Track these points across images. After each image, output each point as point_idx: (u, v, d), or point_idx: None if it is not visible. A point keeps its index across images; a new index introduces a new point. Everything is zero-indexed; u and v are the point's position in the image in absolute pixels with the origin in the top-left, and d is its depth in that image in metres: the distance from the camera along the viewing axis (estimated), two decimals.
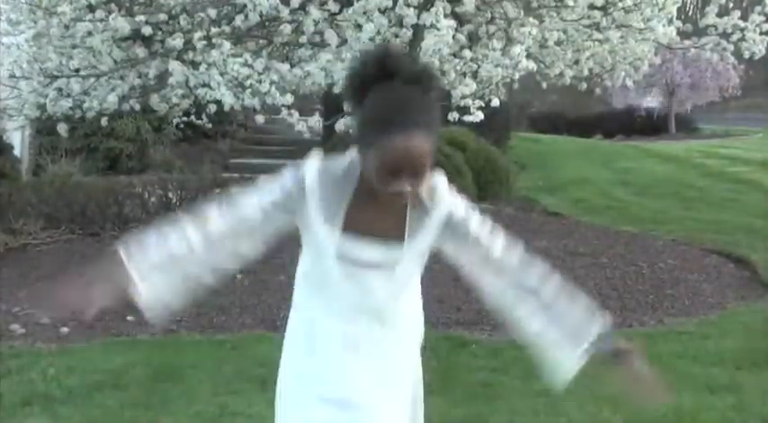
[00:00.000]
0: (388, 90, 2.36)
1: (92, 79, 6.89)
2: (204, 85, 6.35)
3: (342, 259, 2.49)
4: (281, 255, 6.06)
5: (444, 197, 2.52)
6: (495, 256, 2.57)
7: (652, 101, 37.75)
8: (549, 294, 2.54)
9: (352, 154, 2.48)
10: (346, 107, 2.51)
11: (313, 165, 2.48)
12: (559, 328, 2.52)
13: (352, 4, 5.98)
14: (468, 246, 2.57)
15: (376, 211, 2.48)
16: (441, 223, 2.52)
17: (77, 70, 6.86)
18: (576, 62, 7.96)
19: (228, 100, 6.22)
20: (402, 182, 2.33)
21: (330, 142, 10.23)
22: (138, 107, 7.27)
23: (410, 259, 2.55)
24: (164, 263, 2.42)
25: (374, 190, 2.41)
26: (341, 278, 2.51)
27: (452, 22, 5.93)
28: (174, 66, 6.26)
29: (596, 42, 7.57)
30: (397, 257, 2.51)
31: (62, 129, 7.14)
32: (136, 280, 2.37)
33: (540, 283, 2.55)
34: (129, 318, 6.64)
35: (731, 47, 7.33)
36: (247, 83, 6.22)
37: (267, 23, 6.82)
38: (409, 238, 2.51)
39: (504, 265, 2.58)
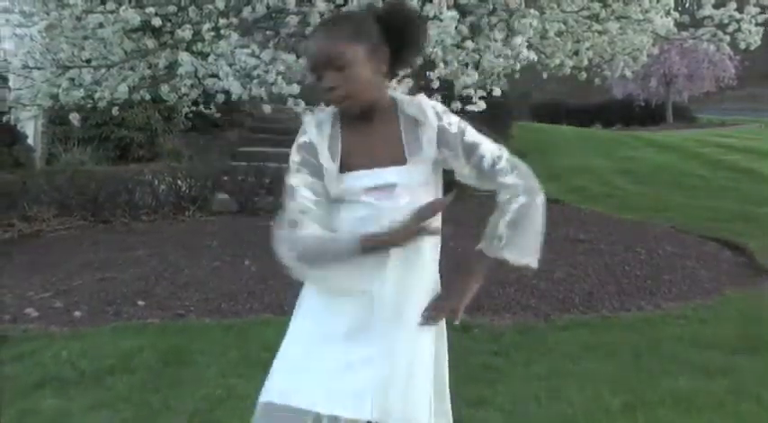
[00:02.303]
0: None
1: (103, 70, 6.88)
2: (213, 76, 6.34)
3: (353, 191, 2.51)
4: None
5: (432, 114, 2.56)
6: (484, 168, 2.59)
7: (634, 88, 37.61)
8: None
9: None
10: None
11: (310, 122, 2.58)
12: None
13: None
14: (460, 159, 2.58)
15: (371, 141, 2.55)
16: (435, 138, 2.54)
17: (89, 61, 6.85)
18: (576, 53, 7.94)
19: (236, 90, 6.21)
20: (326, 78, 2.47)
21: None
22: (148, 97, 7.26)
23: (418, 176, 2.54)
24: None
25: (354, 121, 2.54)
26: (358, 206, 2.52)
27: (455, 14, 5.90)
28: (184, 56, 6.25)
29: (596, 33, 7.55)
30: (405, 177, 2.52)
31: (74, 118, 7.13)
32: None
33: (505, 204, 2.63)
34: (139, 303, 6.65)
35: (727, 38, 7.30)
36: (255, 73, 6.21)
37: (274, 15, 6.80)
38: (411, 156, 2.54)
39: (490, 176, 2.60)
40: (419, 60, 6.27)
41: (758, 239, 9.18)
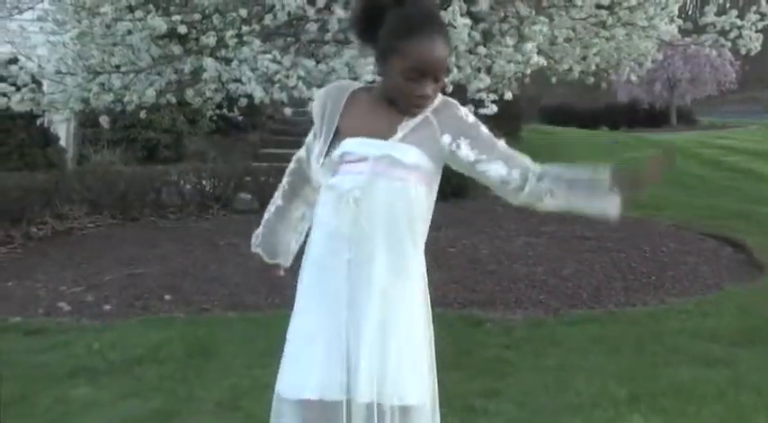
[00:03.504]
0: (406, 8, 2.45)
1: (131, 75, 6.89)
2: (236, 80, 6.33)
3: (337, 157, 2.49)
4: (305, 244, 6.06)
5: (453, 115, 2.54)
6: (495, 178, 2.56)
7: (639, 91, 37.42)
8: (556, 176, 2.60)
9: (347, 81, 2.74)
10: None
11: (319, 93, 2.66)
12: (581, 194, 2.59)
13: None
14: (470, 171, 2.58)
15: (369, 117, 2.52)
16: (440, 145, 2.51)
17: (118, 66, 6.87)
18: (584, 58, 7.90)
19: (258, 94, 6.21)
20: (425, 85, 2.42)
21: None
22: (174, 101, 7.26)
23: (403, 156, 2.46)
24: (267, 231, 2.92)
25: (374, 101, 2.53)
26: (335, 171, 2.49)
27: (468, 21, 5.89)
28: (208, 62, 6.25)
29: (603, 39, 7.51)
30: (381, 149, 2.46)
31: (104, 121, 7.15)
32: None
33: (543, 173, 2.58)
34: (166, 297, 6.68)
35: (729, 43, 7.27)
36: (276, 78, 6.20)
37: (294, 22, 6.80)
38: (399, 133, 2.48)
39: (511, 182, 2.56)
40: None
41: (756, 237, 9.16)
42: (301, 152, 2.76)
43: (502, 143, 2.60)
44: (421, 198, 2.51)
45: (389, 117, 2.50)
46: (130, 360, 5.14)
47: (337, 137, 2.51)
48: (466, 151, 2.52)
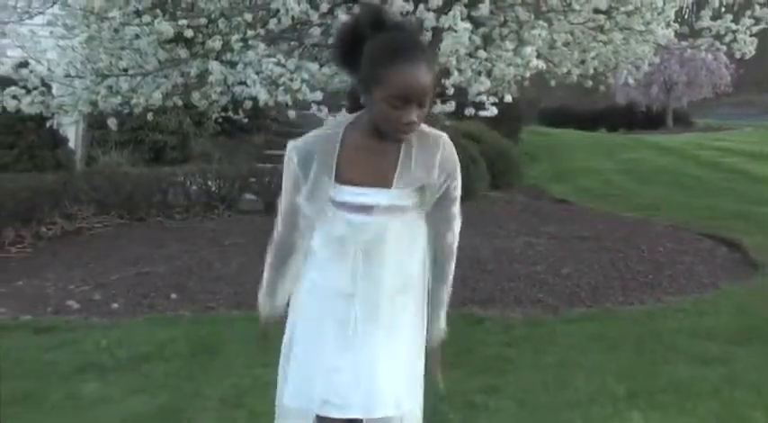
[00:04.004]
0: (387, 35, 2.40)
1: (138, 78, 6.90)
2: (241, 83, 6.34)
3: (339, 206, 2.50)
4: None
5: (450, 157, 2.57)
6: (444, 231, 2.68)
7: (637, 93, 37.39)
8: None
9: (328, 123, 2.67)
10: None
11: (292, 147, 2.57)
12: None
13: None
14: (438, 210, 2.63)
15: (366, 164, 2.49)
16: (438, 176, 2.54)
17: (126, 70, 6.87)
18: (583, 62, 7.91)
19: (263, 96, 6.22)
20: (410, 111, 2.35)
21: None
22: (180, 103, 7.27)
23: (400, 201, 2.51)
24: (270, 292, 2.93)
25: (365, 139, 2.48)
26: (339, 221, 2.51)
27: (469, 25, 5.89)
28: (214, 65, 6.26)
29: (601, 43, 7.52)
30: (385, 199, 2.49)
31: (112, 123, 7.16)
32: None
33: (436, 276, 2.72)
34: (172, 296, 6.68)
35: (724, 47, 7.28)
36: (280, 81, 6.21)
37: (298, 27, 6.81)
38: (399, 180, 2.49)
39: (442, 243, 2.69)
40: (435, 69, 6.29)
41: (752, 236, 9.17)
42: (290, 204, 2.67)
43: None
44: (422, 230, 2.63)
45: (387, 158, 2.50)
46: (137, 357, 5.15)
47: (335, 184, 2.50)
48: (454, 192, 2.61)
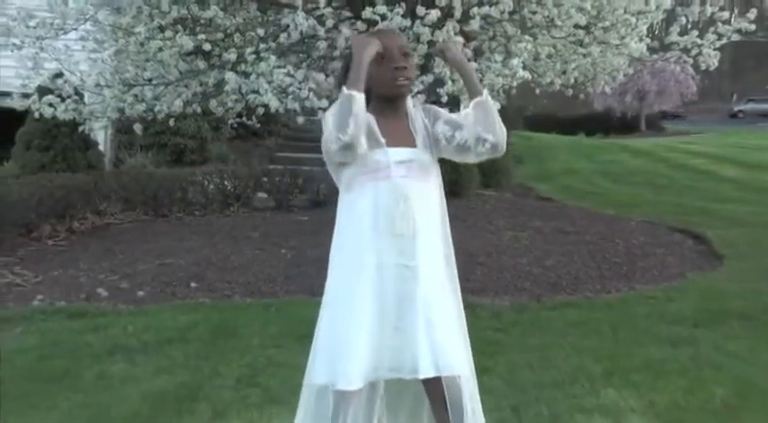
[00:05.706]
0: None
1: (162, 87, 6.89)
2: (254, 92, 6.34)
3: (384, 163, 2.68)
4: (317, 235, 6.07)
5: (423, 108, 2.88)
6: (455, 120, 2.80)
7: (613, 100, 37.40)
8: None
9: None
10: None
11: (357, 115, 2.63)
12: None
13: (377, 24, 5.95)
14: (440, 123, 2.81)
15: (392, 131, 2.72)
16: (427, 121, 2.81)
17: (150, 80, 6.88)
18: (564, 72, 7.92)
19: (274, 104, 6.22)
20: (399, 60, 2.67)
21: None
22: (199, 110, 7.26)
23: (424, 156, 2.76)
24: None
25: (384, 111, 2.73)
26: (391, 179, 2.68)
27: (461, 39, 5.89)
28: (229, 76, 6.26)
29: (580, 56, 7.54)
30: (417, 154, 2.74)
31: (137, 128, 7.15)
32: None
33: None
34: (192, 285, 6.68)
35: (690, 60, 7.30)
36: (290, 90, 6.21)
37: (306, 40, 6.81)
38: (417, 137, 2.77)
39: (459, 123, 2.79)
40: (430, 78, 6.29)
41: (716, 230, 9.20)
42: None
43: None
44: (440, 192, 2.82)
45: (404, 127, 2.78)
46: (161, 340, 5.15)
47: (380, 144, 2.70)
48: (448, 114, 2.85)
